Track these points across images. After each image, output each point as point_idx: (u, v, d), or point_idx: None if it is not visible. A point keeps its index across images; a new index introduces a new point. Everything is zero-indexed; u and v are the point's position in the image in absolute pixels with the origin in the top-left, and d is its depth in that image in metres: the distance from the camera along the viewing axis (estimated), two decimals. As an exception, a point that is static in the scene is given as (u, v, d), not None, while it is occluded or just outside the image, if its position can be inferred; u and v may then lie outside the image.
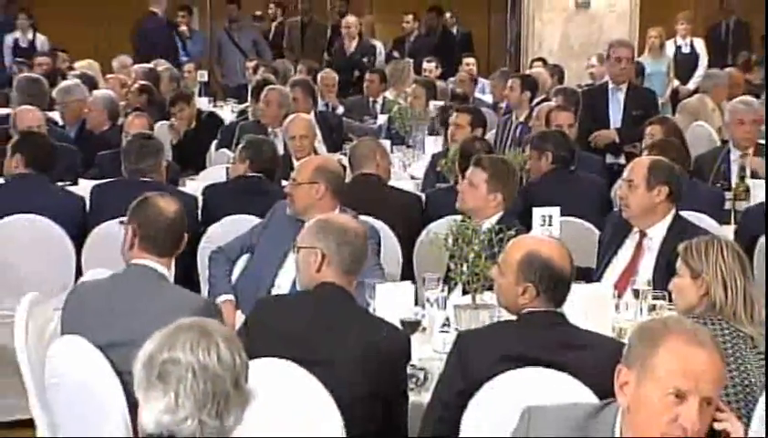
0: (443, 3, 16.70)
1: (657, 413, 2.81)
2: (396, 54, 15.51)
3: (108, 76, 12.67)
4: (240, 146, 7.37)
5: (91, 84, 11.07)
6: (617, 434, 2.95)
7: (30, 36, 15.66)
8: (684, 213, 5.79)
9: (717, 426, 2.86)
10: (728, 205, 7.23)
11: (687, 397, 2.78)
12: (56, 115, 9.67)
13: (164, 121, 10.20)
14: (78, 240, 6.46)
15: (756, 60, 13.94)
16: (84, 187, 7.27)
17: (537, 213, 5.52)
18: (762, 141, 8.28)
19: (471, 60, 14.20)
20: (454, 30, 16.70)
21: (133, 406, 3.58)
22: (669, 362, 2.81)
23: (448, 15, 16.71)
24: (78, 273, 6.22)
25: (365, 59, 14.28)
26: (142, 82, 11.50)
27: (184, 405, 2.59)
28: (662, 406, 2.80)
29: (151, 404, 2.63)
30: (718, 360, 2.85)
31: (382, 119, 11.42)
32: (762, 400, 3.81)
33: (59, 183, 7.15)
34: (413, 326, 4.71)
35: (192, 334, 2.66)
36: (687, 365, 2.80)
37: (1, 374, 6.21)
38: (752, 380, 3.93)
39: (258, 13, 17.26)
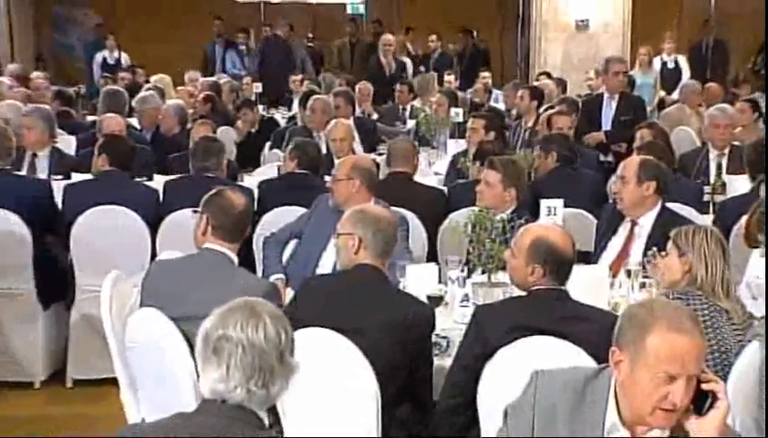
0: (465, 23, 16.67)
1: (649, 392, 2.77)
2: (422, 68, 15.49)
3: (179, 88, 12.71)
4: (290, 147, 7.35)
5: (163, 95, 11.12)
6: (612, 394, 2.92)
7: (116, 54, 15.75)
8: (670, 205, 5.77)
9: (704, 387, 2.81)
10: (707, 198, 7.18)
11: (676, 378, 2.74)
12: (134, 121, 9.71)
13: (226, 126, 10.23)
14: (153, 227, 6.47)
15: (743, 78, 14.00)
16: (158, 182, 7.29)
17: (544, 204, 5.50)
18: (737, 143, 8.27)
19: (486, 74, 14.17)
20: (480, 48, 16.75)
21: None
22: (658, 350, 2.75)
23: (476, 34, 16.75)
24: (153, 255, 6.24)
25: (403, 75, 14.25)
26: (207, 93, 11.52)
27: (234, 376, 2.59)
28: (653, 386, 2.76)
29: (207, 374, 2.63)
30: (699, 341, 2.79)
31: (411, 123, 11.42)
32: (738, 363, 3.80)
33: (137, 179, 7.16)
34: (437, 300, 4.72)
35: (243, 314, 2.64)
36: (674, 352, 2.74)
37: (90, 339, 6.27)
38: (728, 346, 3.92)
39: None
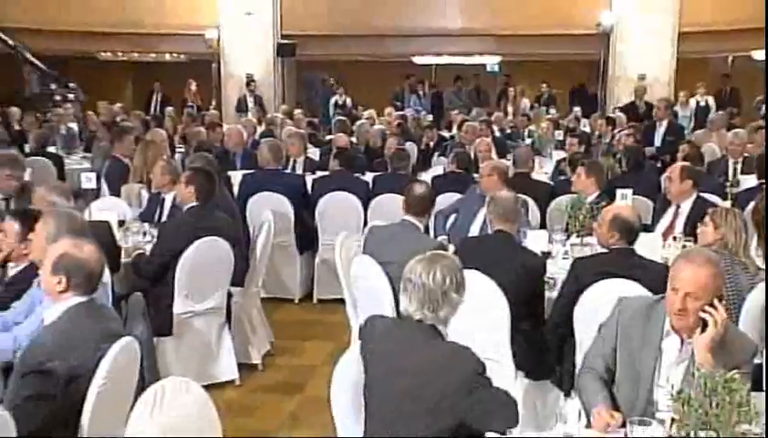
0: (570, 77, 16.22)
1: (670, 297, 2.72)
2: (536, 105, 15.19)
3: (381, 118, 12.79)
4: (451, 155, 7.34)
5: (372, 123, 11.22)
6: (667, 314, 2.79)
7: (343, 98, 15.98)
8: (702, 194, 5.53)
9: (701, 315, 2.67)
10: (727, 190, 6.83)
11: (677, 291, 2.68)
12: (354, 139, 9.82)
13: (410, 142, 10.23)
14: (365, 205, 6.54)
15: (738, 112, 13.44)
16: (368, 177, 7.32)
17: (619, 192, 5.33)
18: (747, 155, 7.90)
19: (577, 108, 13.74)
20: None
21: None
22: (673, 271, 2.73)
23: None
24: (365, 223, 6.30)
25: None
26: (398, 121, 11.58)
27: (413, 303, 2.60)
28: (671, 294, 2.72)
29: (402, 300, 2.65)
30: (701, 271, 2.66)
31: (528, 140, 11.19)
32: (748, 299, 3.61)
33: (356, 175, 7.22)
34: (547, 254, 4.61)
35: (423, 264, 2.63)
36: (678, 273, 2.70)
37: (328, 274, 6.39)
38: (741, 287, 3.72)
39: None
